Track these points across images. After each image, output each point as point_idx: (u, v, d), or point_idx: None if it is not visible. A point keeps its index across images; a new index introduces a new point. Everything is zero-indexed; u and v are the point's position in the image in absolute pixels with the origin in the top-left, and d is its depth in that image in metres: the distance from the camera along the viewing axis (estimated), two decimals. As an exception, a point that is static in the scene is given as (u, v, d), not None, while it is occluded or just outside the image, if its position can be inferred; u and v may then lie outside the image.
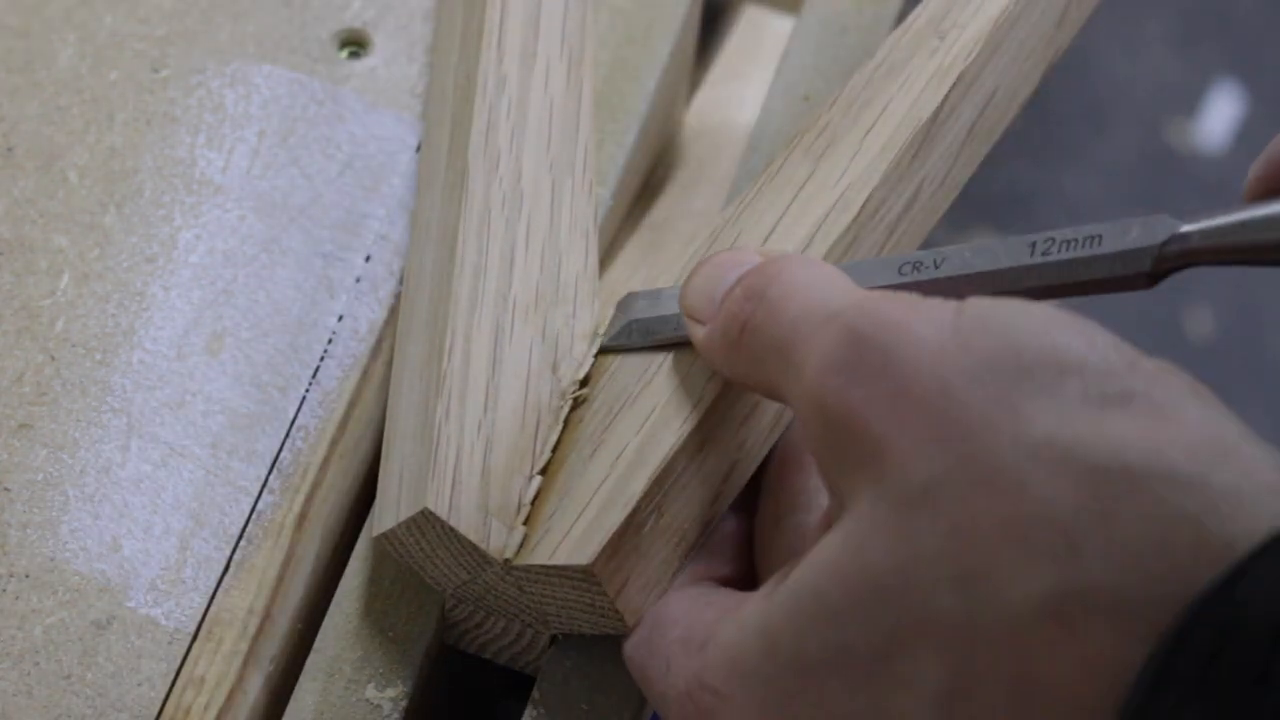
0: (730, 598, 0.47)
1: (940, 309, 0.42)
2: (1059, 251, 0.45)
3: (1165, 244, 0.44)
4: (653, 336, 0.52)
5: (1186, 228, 0.44)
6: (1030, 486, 0.38)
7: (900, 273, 0.48)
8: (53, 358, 0.56)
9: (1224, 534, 0.37)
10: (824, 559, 0.41)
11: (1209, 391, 0.40)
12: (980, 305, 0.42)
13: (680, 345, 0.51)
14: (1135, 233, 0.45)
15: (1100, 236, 0.45)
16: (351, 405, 0.57)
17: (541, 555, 0.49)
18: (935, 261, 0.48)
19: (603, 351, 0.53)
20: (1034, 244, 0.46)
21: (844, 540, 0.41)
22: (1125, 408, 0.39)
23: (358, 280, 0.59)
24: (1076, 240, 0.45)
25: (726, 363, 0.47)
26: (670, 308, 0.51)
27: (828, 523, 0.44)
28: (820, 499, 0.49)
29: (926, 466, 0.40)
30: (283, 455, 0.55)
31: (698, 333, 0.49)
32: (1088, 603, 0.37)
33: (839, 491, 0.43)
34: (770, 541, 0.51)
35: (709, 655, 0.45)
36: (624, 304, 0.54)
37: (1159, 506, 0.37)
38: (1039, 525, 0.38)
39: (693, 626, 0.47)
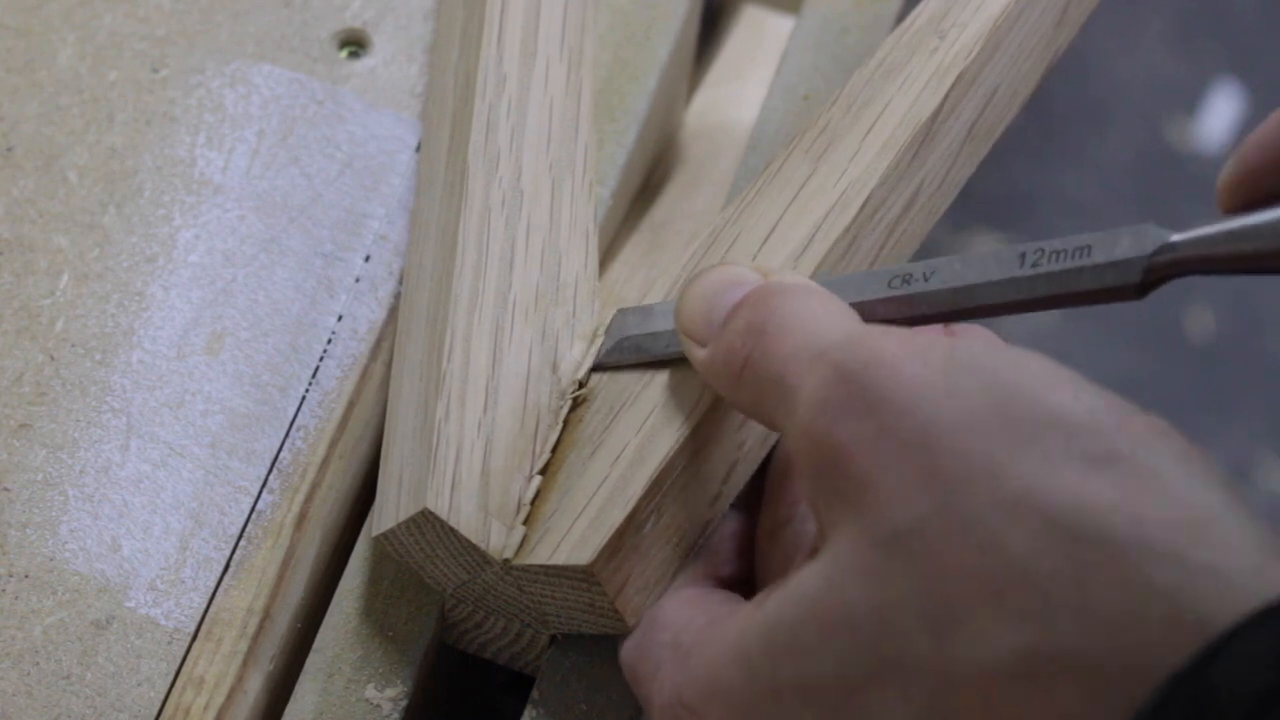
0: (723, 605, 0.47)
1: (933, 348, 0.42)
2: (1049, 263, 0.45)
3: (1155, 254, 0.44)
4: (645, 353, 0.51)
5: (1176, 237, 0.44)
6: (1008, 544, 0.38)
7: (890, 285, 0.48)
8: (52, 358, 0.56)
9: (1200, 612, 0.36)
10: (801, 592, 0.42)
11: (1198, 454, 0.40)
12: (973, 348, 0.41)
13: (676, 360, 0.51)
14: (1125, 243, 0.44)
15: (1090, 247, 0.45)
16: (351, 405, 0.57)
17: (541, 555, 0.49)
18: (925, 274, 0.47)
19: (596, 369, 0.53)
20: (1023, 255, 0.46)
21: (821, 575, 0.41)
22: (1108, 470, 0.38)
23: (357, 280, 0.59)
24: (1066, 251, 0.45)
25: (729, 392, 0.47)
26: (662, 324, 0.51)
27: (813, 550, 0.44)
28: None
29: (906, 510, 0.40)
30: (282, 455, 0.55)
31: (697, 353, 0.48)
32: (1059, 665, 0.37)
33: (823, 524, 0.43)
34: (769, 549, 0.51)
35: (691, 669, 0.45)
36: (616, 320, 0.53)
37: (1135, 578, 0.37)
38: (1015, 584, 0.38)
39: (683, 632, 0.47)
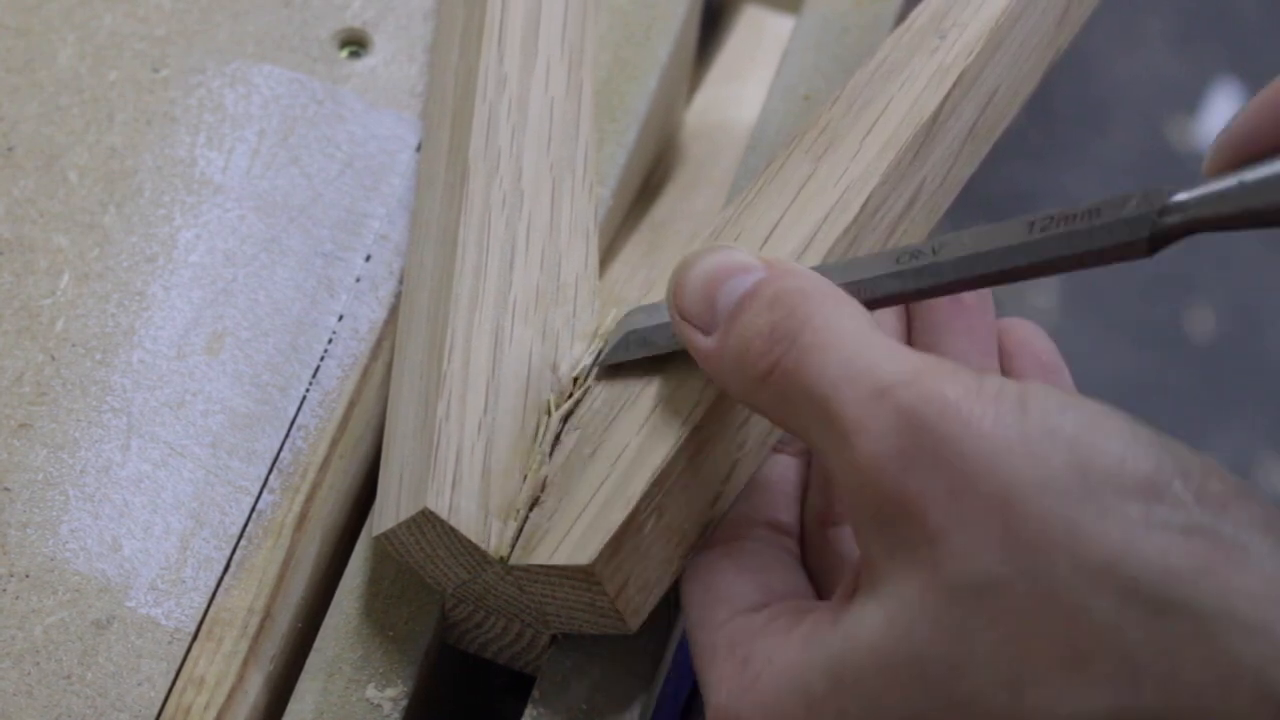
0: (780, 611, 0.47)
1: (1003, 402, 0.41)
2: (1057, 227, 0.45)
3: (1162, 211, 0.44)
4: (651, 347, 0.51)
5: (1183, 195, 0.44)
6: (1092, 611, 0.38)
7: (898, 262, 0.48)
8: (53, 358, 0.56)
9: None
10: (867, 639, 0.42)
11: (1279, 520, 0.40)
12: (1044, 398, 0.41)
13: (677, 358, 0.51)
14: (1134, 203, 0.44)
15: (1099, 210, 0.44)
16: (351, 405, 0.57)
17: (542, 555, 0.49)
18: (934, 248, 0.47)
19: (603, 365, 0.52)
20: (1032, 223, 0.46)
21: (886, 620, 0.41)
22: (1192, 541, 0.38)
23: (358, 280, 0.59)
24: (1075, 215, 0.45)
25: (743, 393, 0.46)
26: (666, 316, 0.50)
27: (854, 584, 0.44)
28: None
29: (984, 566, 0.40)
30: (283, 455, 0.55)
31: (699, 341, 0.47)
32: None
33: (879, 565, 0.42)
34: (820, 541, 0.50)
35: (748, 685, 0.45)
36: (625, 319, 0.53)
37: (1222, 651, 0.37)
38: (1101, 651, 0.38)
39: (739, 632, 0.47)
